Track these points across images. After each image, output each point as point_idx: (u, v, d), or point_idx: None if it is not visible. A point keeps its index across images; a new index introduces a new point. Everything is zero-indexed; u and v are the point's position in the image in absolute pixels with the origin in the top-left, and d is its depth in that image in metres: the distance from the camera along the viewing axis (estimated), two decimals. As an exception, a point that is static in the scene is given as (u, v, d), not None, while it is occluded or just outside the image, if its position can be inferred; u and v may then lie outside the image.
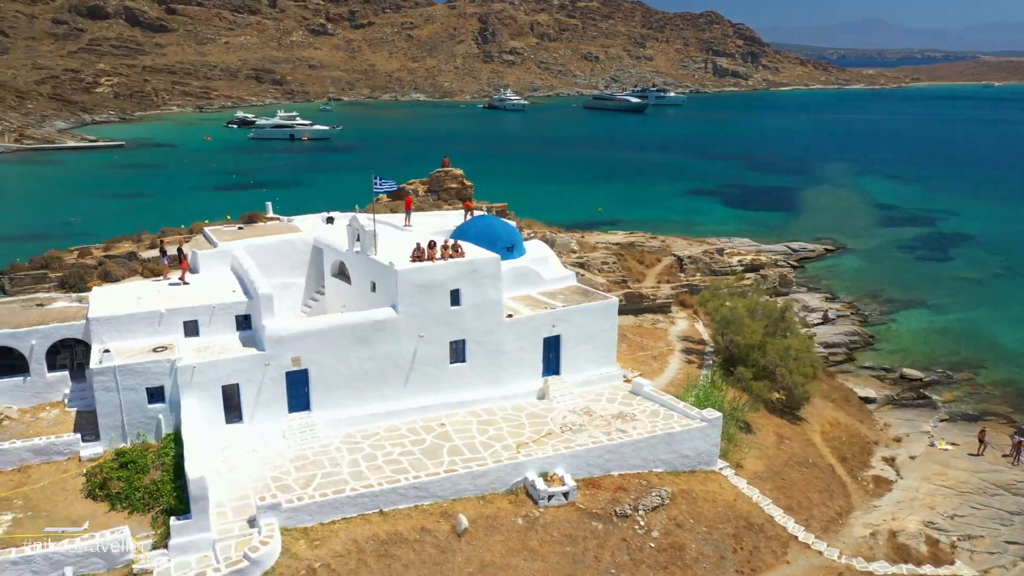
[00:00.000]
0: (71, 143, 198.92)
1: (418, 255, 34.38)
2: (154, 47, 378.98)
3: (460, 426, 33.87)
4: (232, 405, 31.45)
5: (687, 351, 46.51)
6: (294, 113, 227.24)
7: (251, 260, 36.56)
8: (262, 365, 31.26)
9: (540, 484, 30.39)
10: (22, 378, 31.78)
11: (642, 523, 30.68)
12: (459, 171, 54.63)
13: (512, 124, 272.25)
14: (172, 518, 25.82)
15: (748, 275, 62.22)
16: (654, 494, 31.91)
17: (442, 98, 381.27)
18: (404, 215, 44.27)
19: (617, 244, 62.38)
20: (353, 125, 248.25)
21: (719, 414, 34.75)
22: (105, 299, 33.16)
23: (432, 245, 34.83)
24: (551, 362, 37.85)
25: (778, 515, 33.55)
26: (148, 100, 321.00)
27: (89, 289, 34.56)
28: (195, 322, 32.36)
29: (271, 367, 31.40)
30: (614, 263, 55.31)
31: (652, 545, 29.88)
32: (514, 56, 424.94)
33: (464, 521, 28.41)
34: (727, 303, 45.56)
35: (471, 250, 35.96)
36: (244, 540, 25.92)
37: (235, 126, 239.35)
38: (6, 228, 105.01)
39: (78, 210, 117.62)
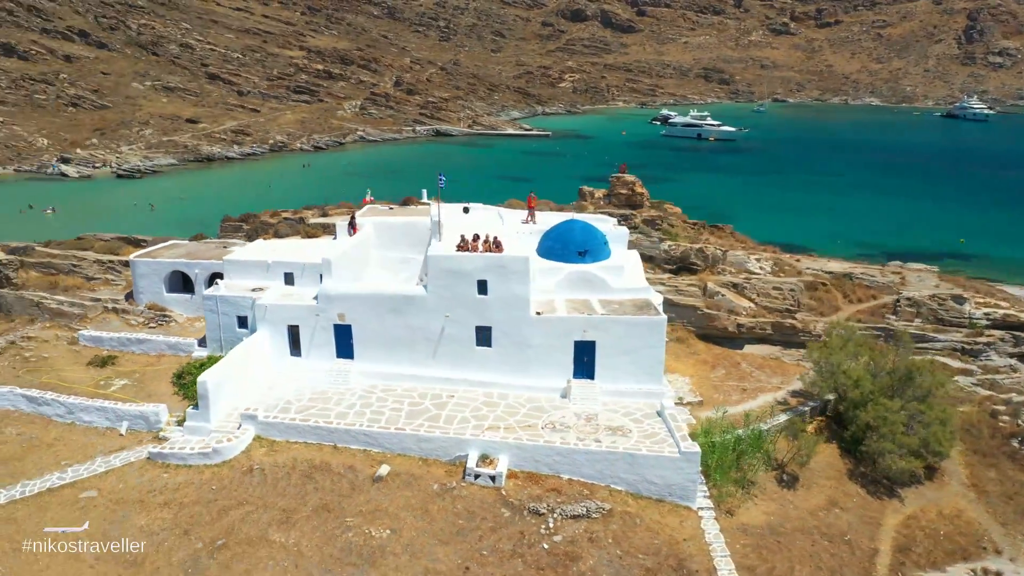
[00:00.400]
0: (509, 131, 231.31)
1: (462, 246, 39.09)
2: (619, 47, 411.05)
3: (464, 401, 37.99)
4: (296, 342, 40.21)
5: (797, 393, 42.73)
6: (705, 113, 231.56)
7: (370, 234, 44.95)
8: (315, 315, 39.38)
9: (472, 462, 33.51)
10: (189, 296, 44.61)
11: (551, 525, 31.83)
12: (631, 178, 55.70)
13: (959, 135, 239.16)
14: (190, 408, 35.54)
15: (992, 332, 51.69)
16: (583, 504, 32.56)
17: (899, 103, 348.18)
18: (527, 212, 48.45)
19: (830, 273, 56.62)
20: (778, 128, 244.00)
21: (696, 449, 33.28)
22: (253, 249, 44.49)
23: (476, 238, 39.19)
24: (585, 366, 39.26)
25: (726, 571, 31.25)
26: (600, 95, 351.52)
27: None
28: (291, 274, 41.71)
29: (321, 318, 39.35)
30: (791, 291, 51.21)
31: (545, 547, 31.03)
32: (1003, 58, 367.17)
33: (383, 471, 33.26)
34: (818, 351, 40.68)
35: (514, 248, 39.30)
36: (227, 435, 34.55)
37: (658, 123, 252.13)
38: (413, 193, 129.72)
39: (470, 188, 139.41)
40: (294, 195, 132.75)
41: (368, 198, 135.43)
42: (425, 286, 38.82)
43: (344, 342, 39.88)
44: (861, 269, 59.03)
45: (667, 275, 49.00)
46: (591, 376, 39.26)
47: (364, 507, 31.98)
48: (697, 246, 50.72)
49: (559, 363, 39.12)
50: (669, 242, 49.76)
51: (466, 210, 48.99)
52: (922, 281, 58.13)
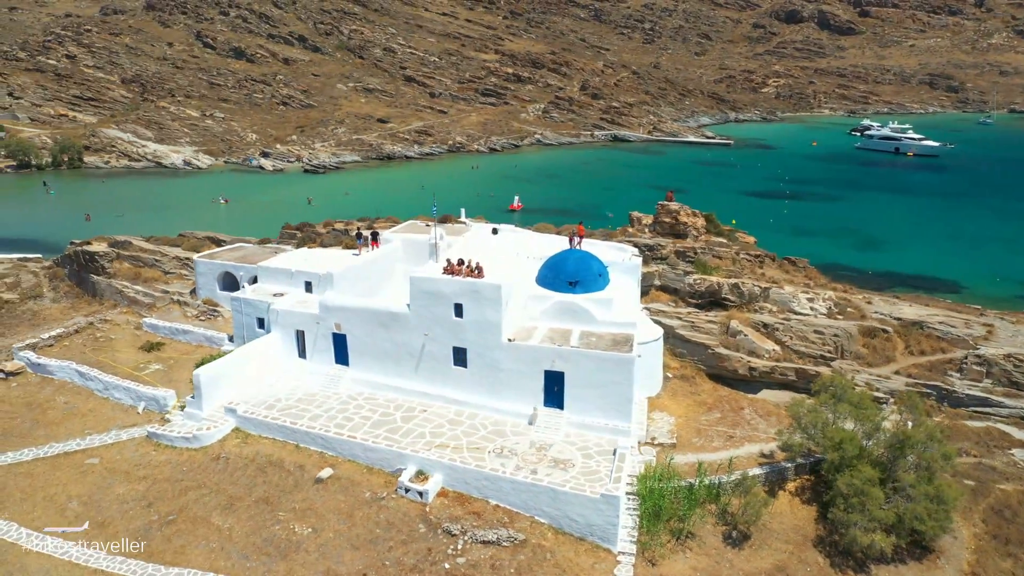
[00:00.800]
0: (690, 138, 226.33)
1: (447, 269, 41.07)
2: (835, 49, 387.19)
3: (433, 417, 40.00)
4: (303, 346, 44.18)
5: (789, 447, 40.40)
6: (907, 126, 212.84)
7: (398, 248, 48.20)
8: (316, 323, 43.11)
9: (405, 477, 35.56)
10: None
11: (459, 547, 33.13)
12: (675, 206, 53.80)
13: None
14: (188, 397, 40.50)
15: (1078, 403, 45.23)
16: (496, 531, 33.51)
17: None
18: (577, 239, 48.89)
19: (898, 319, 51.71)
20: (998, 144, 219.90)
21: (618, 494, 33.11)
22: (284, 257, 49.06)
23: (461, 263, 40.99)
24: (555, 395, 39.84)
25: (620, 619, 31.14)
26: (804, 102, 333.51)
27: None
28: (310, 282, 45.73)
29: (321, 326, 42.99)
30: (834, 336, 47.73)
31: (446, 566, 32.42)
32: None
33: (325, 473, 36.16)
34: (800, 405, 38.00)
35: (495, 275, 40.58)
36: (211, 424, 39.13)
37: (857, 134, 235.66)
38: (562, 201, 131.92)
39: (614, 196, 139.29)
40: (444, 197, 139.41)
41: (516, 203, 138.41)
42: (408, 304, 41.19)
43: (341, 350, 43.26)
44: (943, 316, 53.67)
45: (688, 310, 47.78)
46: (560, 406, 39.74)
47: (298, 504, 35.05)
48: (732, 281, 48.90)
49: (529, 389, 39.97)
50: (695, 276, 48.37)
51: (495, 231, 50.66)
52: (1017, 336, 51.96)
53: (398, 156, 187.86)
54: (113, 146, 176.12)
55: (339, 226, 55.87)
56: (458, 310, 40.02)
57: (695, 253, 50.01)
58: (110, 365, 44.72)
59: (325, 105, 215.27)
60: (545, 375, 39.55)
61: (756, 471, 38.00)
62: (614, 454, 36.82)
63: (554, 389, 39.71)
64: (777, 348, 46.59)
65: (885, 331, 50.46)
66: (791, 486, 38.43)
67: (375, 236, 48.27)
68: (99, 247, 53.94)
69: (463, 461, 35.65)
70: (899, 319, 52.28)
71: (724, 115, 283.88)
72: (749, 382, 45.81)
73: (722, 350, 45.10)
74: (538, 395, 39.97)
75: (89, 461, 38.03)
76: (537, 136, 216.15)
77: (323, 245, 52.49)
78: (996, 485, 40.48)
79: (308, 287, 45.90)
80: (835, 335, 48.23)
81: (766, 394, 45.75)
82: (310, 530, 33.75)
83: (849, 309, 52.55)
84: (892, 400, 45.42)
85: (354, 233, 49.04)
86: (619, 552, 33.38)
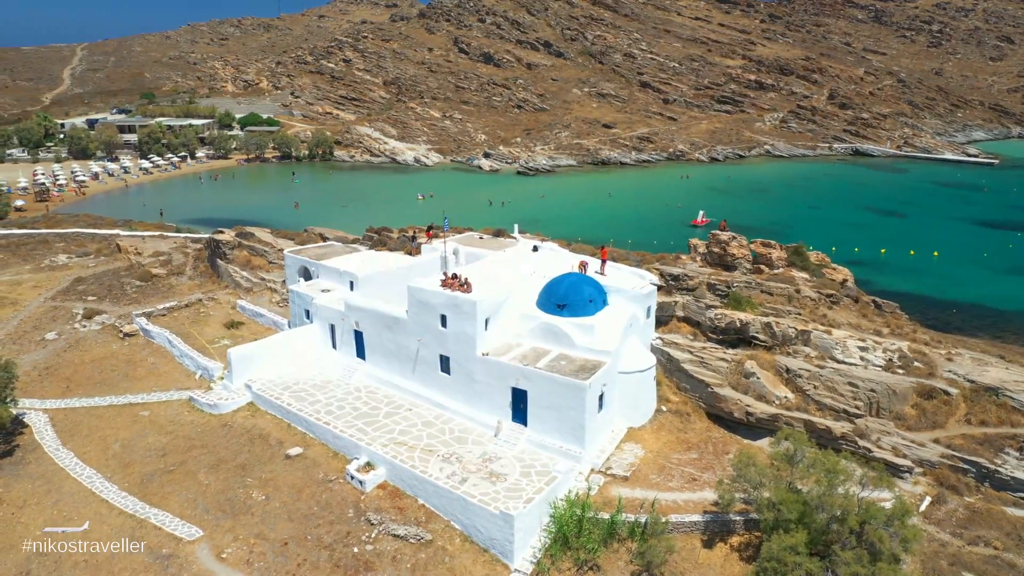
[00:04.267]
0: (947, 155, 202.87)
1: (445, 282, 44.20)
2: None
3: (412, 416, 43.39)
4: (335, 338, 49.65)
5: (750, 500, 38.41)
6: None
7: (433, 254, 52.09)
8: (342, 319, 48.31)
9: (354, 466, 39.44)
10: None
11: (372, 535, 36.38)
12: (726, 236, 50.77)
13: None
14: (225, 370, 47.58)
15: None
16: (407, 528, 36.31)
17: None
18: (600, 263, 49.63)
19: (972, 381, 44.98)
20: None
21: (512, 515, 34.43)
22: (350, 257, 54.67)
23: (454, 276, 43.89)
24: (521, 411, 41.47)
25: (484, 631, 32.61)
26: None
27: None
28: (353, 282, 51.00)
29: (346, 322, 48.10)
30: (871, 391, 43.21)
31: (355, 550, 35.81)
32: None
33: (294, 452, 41.10)
34: (743, 459, 35.49)
35: (481, 290, 42.92)
36: (232, 396, 45.85)
37: None
38: (754, 219, 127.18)
39: (823, 217, 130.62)
40: (625, 206, 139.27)
41: (702, 217, 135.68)
42: (407, 311, 44.86)
43: (360, 345, 48.02)
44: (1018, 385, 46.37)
45: (703, 344, 46.24)
46: (524, 422, 41.26)
47: (265, 474, 40.31)
48: (765, 320, 46.52)
49: (499, 403, 41.91)
50: (718, 310, 46.55)
51: (535, 249, 52.49)
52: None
53: (613, 162, 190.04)
54: (360, 142, 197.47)
55: (409, 232, 60.76)
56: (443, 321, 42.93)
57: (728, 287, 47.98)
58: (194, 336, 53.38)
59: (557, 109, 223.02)
60: (512, 391, 41.22)
61: (695, 518, 36.89)
62: (550, 474, 37.72)
63: (520, 406, 41.25)
64: (790, 396, 43.74)
65: (947, 393, 45.01)
66: (735, 540, 36.72)
67: (413, 239, 52.31)
68: (227, 236, 63.73)
69: (403, 460, 38.69)
70: (973, 381, 46.17)
71: (1005, 130, 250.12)
72: (752, 428, 43.59)
73: (721, 390, 43.39)
74: (506, 409, 41.74)
75: (142, 413, 46.31)
76: (767, 147, 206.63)
77: (390, 249, 57.62)
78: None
79: (351, 286, 51.15)
80: (871, 390, 44.08)
81: (767, 443, 43.16)
82: (264, 498, 38.76)
83: (917, 364, 47.38)
84: (919, 471, 41.14)
85: (409, 236, 53.43)
86: (515, 570, 34.59)
